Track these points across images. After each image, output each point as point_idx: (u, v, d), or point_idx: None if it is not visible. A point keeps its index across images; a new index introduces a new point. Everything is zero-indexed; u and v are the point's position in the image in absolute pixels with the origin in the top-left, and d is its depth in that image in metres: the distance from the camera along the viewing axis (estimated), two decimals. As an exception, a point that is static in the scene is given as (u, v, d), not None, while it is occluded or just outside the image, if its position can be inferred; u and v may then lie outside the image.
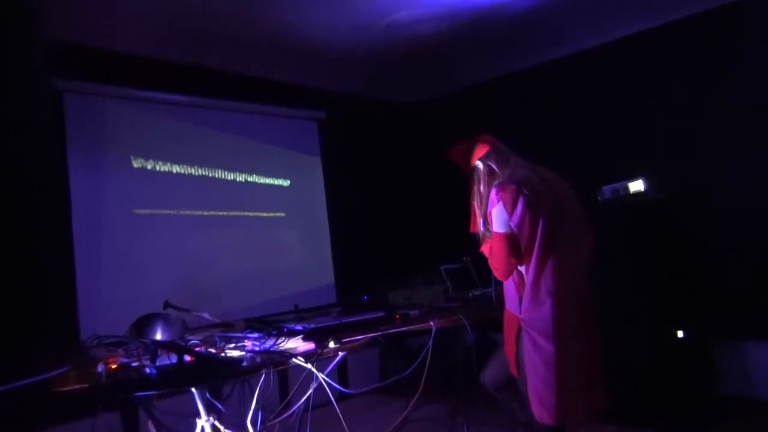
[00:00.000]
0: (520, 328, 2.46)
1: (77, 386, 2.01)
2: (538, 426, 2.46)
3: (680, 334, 3.99)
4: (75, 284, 4.01)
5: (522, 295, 2.46)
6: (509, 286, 2.54)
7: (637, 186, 4.19)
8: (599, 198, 4.29)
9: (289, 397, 2.65)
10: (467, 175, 2.67)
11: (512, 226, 2.39)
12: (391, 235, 6.03)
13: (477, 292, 3.69)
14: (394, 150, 6.25)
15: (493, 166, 2.57)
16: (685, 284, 4.13)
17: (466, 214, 2.72)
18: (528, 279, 2.42)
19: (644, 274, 4.02)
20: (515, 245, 2.40)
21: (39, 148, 3.88)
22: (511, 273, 2.49)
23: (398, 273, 4.16)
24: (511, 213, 2.38)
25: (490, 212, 2.46)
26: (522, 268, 2.47)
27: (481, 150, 2.61)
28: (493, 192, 2.45)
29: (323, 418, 2.88)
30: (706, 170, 4.55)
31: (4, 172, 3.71)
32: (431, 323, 2.86)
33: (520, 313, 2.46)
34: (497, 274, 2.52)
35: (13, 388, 1.76)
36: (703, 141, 4.57)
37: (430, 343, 2.81)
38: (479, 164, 2.60)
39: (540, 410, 2.39)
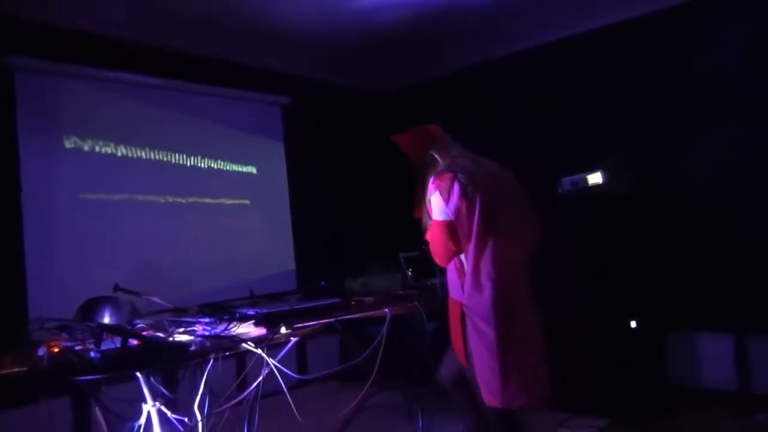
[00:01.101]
0: (463, 314, 2.51)
1: (15, 369, 1.95)
2: (489, 411, 2.50)
3: (633, 324, 4.07)
4: (24, 268, 3.89)
5: (463, 281, 2.50)
6: (451, 273, 2.59)
7: (595, 178, 4.24)
8: (559, 189, 4.34)
9: (237, 382, 2.61)
10: (411, 163, 2.72)
11: (449, 213, 2.44)
12: (352, 222, 6.01)
13: (436, 281, 3.69)
14: (358, 137, 6.21)
15: (435, 156, 2.64)
16: (639, 275, 4.21)
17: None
18: (468, 265, 2.47)
19: (600, 265, 4.08)
20: (453, 232, 2.45)
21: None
22: (450, 259, 2.54)
23: (357, 260, 4.14)
24: (447, 200, 2.44)
25: (429, 200, 2.52)
26: (463, 255, 2.51)
27: (424, 139, 2.67)
28: (430, 180, 2.51)
29: (277, 404, 2.85)
30: (664, 162, 4.63)
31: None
32: (385, 310, 2.86)
33: (463, 299, 2.50)
34: (437, 260, 2.58)
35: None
36: (663, 133, 4.64)
37: (384, 329, 2.81)
38: (421, 152, 2.66)
39: (487, 395, 2.44)
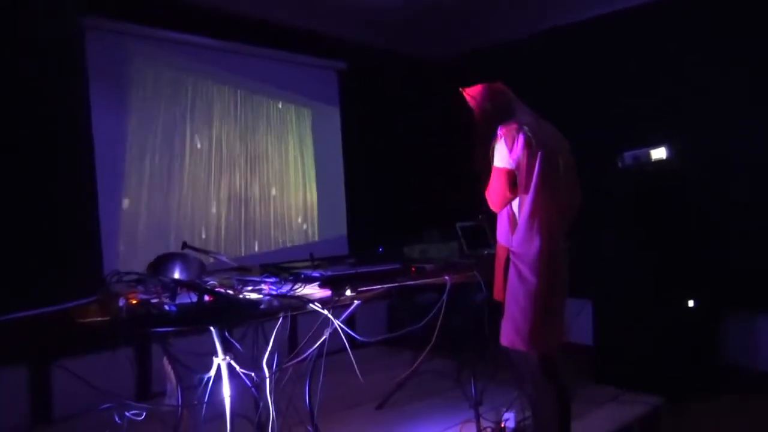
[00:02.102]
0: (508, 260, 2.65)
1: (99, 318, 2.04)
2: (511, 353, 2.67)
3: (691, 303, 4.00)
4: (98, 219, 4.04)
5: (514, 229, 2.63)
6: (502, 221, 2.72)
7: (659, 153, 4.13)
8: (619, 163, 4.25)
9: (303, 343, 2.68)
10: (475, 115, 2.81)
11: (511, 162, 2.57)
12: (407, 189, 6.02)
13: (492, 251, 3.69)
14: (414, 105, 6.18)
15: (502, 109, 2.73)
16: (698, 253, 4.12)
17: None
18: (523, 215, 2.60)
19: (659, 241, 4.01)
20: (512, 180, 2.59)
21: (61, 82, 3.87)
22: (504, 206, 2.68)
23: (413, 228, 4.16)
24: (511, 149, 2.56)
25: (493, 147, 2.63)
26: (515, 204, 2.64)
27: (494, 92, 2.77)
28: (498, 130, 2.62)
29: (332, 364, 2.94)
30: (730, 141, 4.49)
31: (28, 108, 3.74)
32: (446, 278, 2.89)
33: (511, 245, 2.64)
34: (492, 205, 2.72)
35: (37, 314, 1.79)
36: (730, 112, 4.50)
37: (445, 297, 2.84)
38: (488, 106, 2.74)
39: (514, 337, 2.61)
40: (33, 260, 3.50)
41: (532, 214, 2.57)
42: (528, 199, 2.57)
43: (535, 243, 2.56)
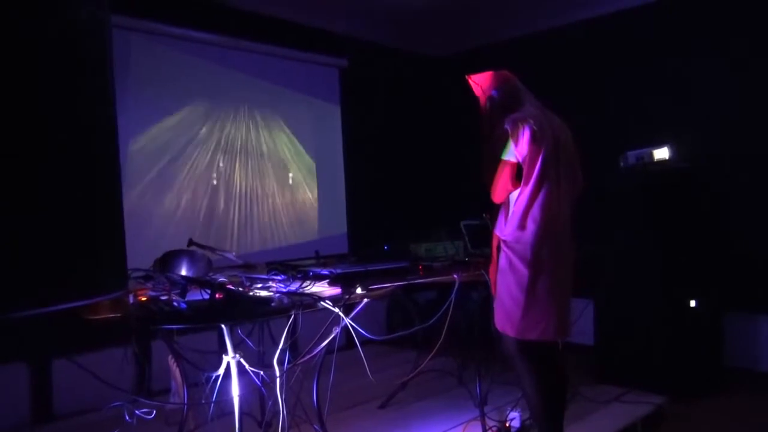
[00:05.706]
0: (499, 248, 2.70)
1: (111, 315, 2.01)
2: (505, 338, 2.70)
3: (693, 303, 4.01)
4: (122, 210, 3.98)
5: (507, 218, 2.68)
6: (500, 212, 2.77)
7: (662, 154, 4.14)
8: (622, 163, 4.25)
9: (315, 341, 2.66)
10: (480, 103, 2.84)
11: (517, 155, 2.61)
12: (408, 188, 6.00)
13: (494, 250, 3.68)
14: (417, 103, 6.16)
15: (508, 97, 2.77)
16: (701, 254, 4.13)
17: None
18: (519, 205, 2.63)
19: (662, 241, 4.01)
20: (516, 173, 2.64)
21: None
22: (506, 197, 2.72)
23: (415, 226, 4.15)
24: (517, 143, 2.60)
25: (498, 137, 2.67)
26: (512, 195, 2.69)
27: (501, 81, 2.80)
28: (505, 122, 2.65)
29: (331, 363, 2.90)
30: (733, 142, 4.50)
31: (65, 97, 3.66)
32: (455, 276, 2.87)
33: (503, 234, 2.68)
34: (494, 196, 2.74)
35: (50, 312, 1.74)
36: (733, 113, 4.51)
37: (453, 296, 2.83)
38: (495, 94, 2.78)
39: (505, 324, 2.65)
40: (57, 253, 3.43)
41: (530, 205, 2.60)
42: (526, 190, 2.61)
43: (528, 232, 2.59)
